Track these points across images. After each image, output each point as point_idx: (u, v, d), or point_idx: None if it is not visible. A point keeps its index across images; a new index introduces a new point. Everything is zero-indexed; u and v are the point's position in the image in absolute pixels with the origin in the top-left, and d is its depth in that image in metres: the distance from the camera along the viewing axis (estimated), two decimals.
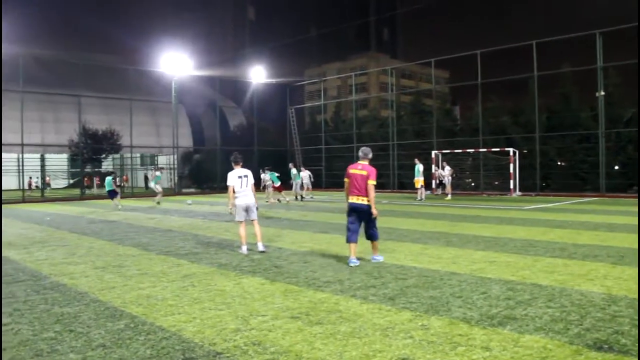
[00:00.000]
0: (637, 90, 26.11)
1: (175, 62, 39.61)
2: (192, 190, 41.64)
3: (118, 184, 30.87)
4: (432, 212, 19.22)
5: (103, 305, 6.48)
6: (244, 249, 10.31)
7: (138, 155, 49.69)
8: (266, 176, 27.14)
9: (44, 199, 35.71)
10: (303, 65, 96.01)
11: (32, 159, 39.71)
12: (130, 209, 24.25)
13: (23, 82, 34.39)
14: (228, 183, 10.27)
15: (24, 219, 19.71)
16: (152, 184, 25.42)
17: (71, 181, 60.00)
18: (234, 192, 10.22)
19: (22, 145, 34.77)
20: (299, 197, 28.31)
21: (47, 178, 47.24)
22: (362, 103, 53.74)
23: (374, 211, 8.79)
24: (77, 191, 39.29)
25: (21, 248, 11.62)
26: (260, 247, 10.44)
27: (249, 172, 10.46)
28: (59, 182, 53.93)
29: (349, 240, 8.94)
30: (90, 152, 39.16)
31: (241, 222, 10.44)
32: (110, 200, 25.03)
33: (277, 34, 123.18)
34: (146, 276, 8.20)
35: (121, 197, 27.65)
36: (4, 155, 38.39)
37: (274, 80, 46.86)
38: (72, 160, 47.91)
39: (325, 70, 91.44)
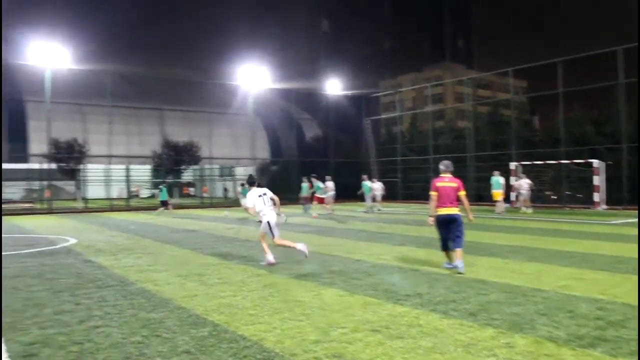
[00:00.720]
0: None
1: (253, 76, 40.49)
2: None
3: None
4: (512, 226, 18.67)
5: (186, 312, 6.66)
6: (271, 257, 10.53)
7: (217, 166, 51.01)
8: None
9: (128, 208, 37.19)
10: (378, 76, 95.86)
11: (118, 170, 41.53)
12: (210, 219, 24.89)
13: (111, 98, 36.18)
14: (248, 205, 10.87)
15: (112, 227, 20.61)
16: (242, 201, 25.58)
17: (154, 191, 62.34)
18: (256, 210, 10.73)
19: (110, 157, 36.49)
20: (369, 210, 27.98)
21: (137, 188, 49.38)
22: (438, 114, 53.06)
23: (472, 217, 9.86)
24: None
25: (109, 255, 12.15)
26: (299, 247, 10.68)
27: (267, 190, 11.05)
28: (143, 192, 56.17)
29: (447, 249, 9.47)
30: (172, 164, 40.55)
31: (264, 232, 10.78)
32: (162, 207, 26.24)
33: (352, 46, 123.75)
34: (227, 285, 8.37)
35: (200, 208, 28.41)
36: (93, 166, 40.38)
37: (349, 92, 47.05)
38: (155, 171, 49.74)
39: (400, 82, 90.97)
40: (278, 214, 11.18)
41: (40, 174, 39.14)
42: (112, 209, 35.87)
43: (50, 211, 33.15)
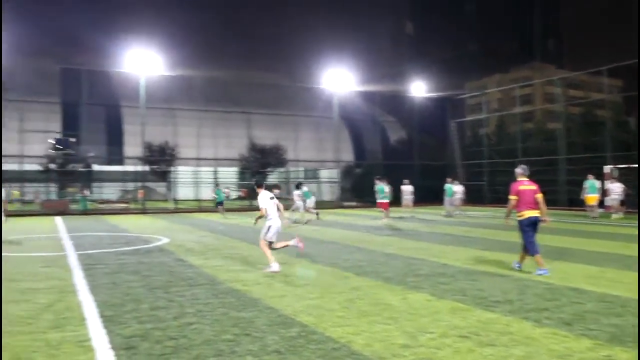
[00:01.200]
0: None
1: (338, 79, 40.73)
2: (354, 203, 42.32)
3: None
4: (607, 232, 17.80)
5: (275, 312, 6.78)
6: (276, 266, 10.11)
7: (301, 169, 51.64)
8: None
9: (217, 209, 38.23)
10: (463, 78, 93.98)
11: (206, 172, 42.92)
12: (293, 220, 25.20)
13: (200, 102, 37.51)
14: (262, 205, 10.45)
15: (201, 227, 21.30)
16: (297, 203, 25.54)
17: (241, 194, 63.86)
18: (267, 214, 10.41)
19: (198, 159, 37.76)
20: (450, 213, 27.26)
21: (227, 190, 50.83)
22: (526, 116, 51.33)
23: (549, 220, 9.90)
24: (246, 202, 41.66)
25: (199, 254, 12.56)
26: (294, 243, 10.81)
27: (274, 195, 10.85)
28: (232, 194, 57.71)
29: (535, 252, 9.49)
30: (258, 166, 41.43)
31: (269, 241, 10.43)
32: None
33: (436, 47, 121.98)
34: (314, 287, 8.45)
35: (285, 210, 28.70)
36: (183, 168, 41.89)
37: (434, 94, 46.42)
38: (241, 174, 50.93)
39: (485, 83, 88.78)
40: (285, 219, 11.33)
41: (135, 176, 41.04)
42: (200, 209, 37.04)
43: (143, 211, 34.65)
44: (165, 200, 44.80)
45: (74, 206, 36.92)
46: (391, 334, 5.76)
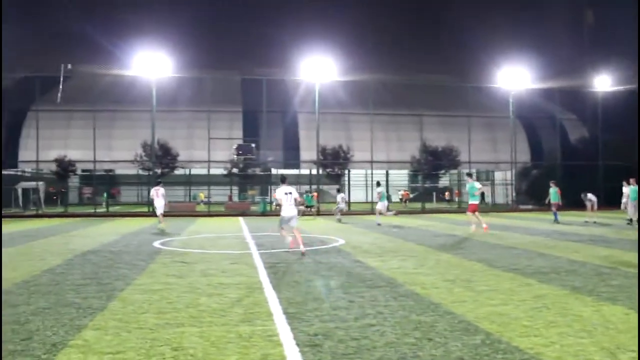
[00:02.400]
0: None
1: (512, 77, 39.05)
2: (529, 206, 40.27)
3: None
4: None
5: (456, 318, 6.59)
6: (289, 239, 13.46)
7: (474, 170, 50.22)
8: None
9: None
10: None
11: (378, 174, 43.36)
12: (465, 223, 24.56)
13: (372, 106, 38.03)
14: (277, 197, 13.21)
15: (375, 229, 21.50)
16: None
17: (411, 195, 63.80)
18: (281, 204, 13.17)
19: (372, 162, 38.30)
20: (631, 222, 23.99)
21: (405, 192, 51.22)
22: None
23: None
24: (417, 205, 41.42)
25: (376, 256, 12.65)
26: (302, 249, 12.92)
27: (293, 189, 13.29)
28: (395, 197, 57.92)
29: None
30: (430, 168, 40.97)
31: (283, 228, 13.43)
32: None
33: (622, 36, 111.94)
34: (496, 293, 8.10)
35: (457, 212, 28.14)
36: (355, 171, 42.74)
37: (621, 88, 42.62)
38: (413, 176, 50.76)
39: None
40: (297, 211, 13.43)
41: (309, 179, 42.66)
42: (373, 212, 37.43)
43: (317, 213, 35.85)
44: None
45: (254, 207, 39.28)
46: (586, 349, 5.31)
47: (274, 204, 12.31)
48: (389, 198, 24.79)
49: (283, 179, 13.61)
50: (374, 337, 5.76)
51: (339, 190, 31.54)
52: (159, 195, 22.74)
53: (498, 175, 49.27)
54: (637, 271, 10.09)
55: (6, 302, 7.65)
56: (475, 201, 19.72)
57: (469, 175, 20.98)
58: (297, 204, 13.21)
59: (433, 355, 5.14)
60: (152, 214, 28.98)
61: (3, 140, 39.93)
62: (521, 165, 43.96)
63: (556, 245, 14.75)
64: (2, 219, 31.46)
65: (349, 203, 41.91)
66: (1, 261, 11.32)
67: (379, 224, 23.48)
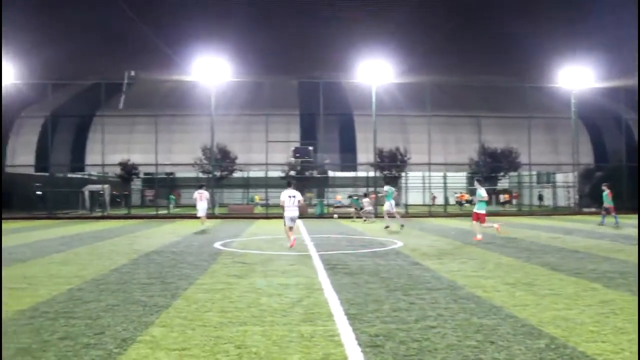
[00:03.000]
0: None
1: (574, 76, 37.98)
2: (593, 209, 39.01)
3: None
4: None
5: (519, 321, 6.49)
6: (293, 238, 15.18)
7: (534, 172, 49.07)
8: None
9: (446, 214, 38.07)
10: None
11: (436, 177, 42.98)
12: (528, 226, 24.05)
13: (429, 108, 37.77)
14: (281, 199, 15.17)
15: (432, 232, 21.34)
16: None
17: (468, 198, 62.85)
18: (285, 206, 15.09)
19: (429, 164, 38.02)
20: None
21: (462, 195, 50.68)
22: None
23: None
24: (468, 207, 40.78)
25: (435, 258, 12.56)
26: (291, 242, 14.99)
27: (297, 193, 15.35)
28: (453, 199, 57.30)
29: None
30: (488, 171, 40.27)
31: (288, 226, 15.23)
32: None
33: None
34: (559, 297, 7.93)
35: (517, 215, 27.56)
36: (412, 173, 42.43)
37: None
38: (471, 178, 49.95)
39: None
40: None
41: (366, 181, 42.62)
42: (430, 214, 37.14)
43: (375, 216, 35.75)
44: (396, 205, 45.78)
45: (311, 210, 39.53)
46: None
47: (280, 204, 14.13)
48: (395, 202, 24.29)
49: (289, 184, 16.08)
50: (435, 339, 5.75)
51: (365, 195, 31.73)
52: (202, 199, 23.27)
53: (559, 178, 47.97)
54: None
55: (79, 298, 8.01)
56: (482, 210, 17.55)
57: (478, 181, 18.48)
58: (299, 205, 15.37)
59: (496, 358, 5.10)
60: (210, 216, 29.57)
61: (70, 145, 41.58)
62: (584, 167, 42.65)
63: (622, 250, 14.27)
64: (71, 220, 32.75)
65: (406, 205, 41.64)
66: (1, 261, 11.67)
67: (387, 227, 23.11)
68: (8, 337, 5.94)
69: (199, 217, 23.87)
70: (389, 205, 24.09)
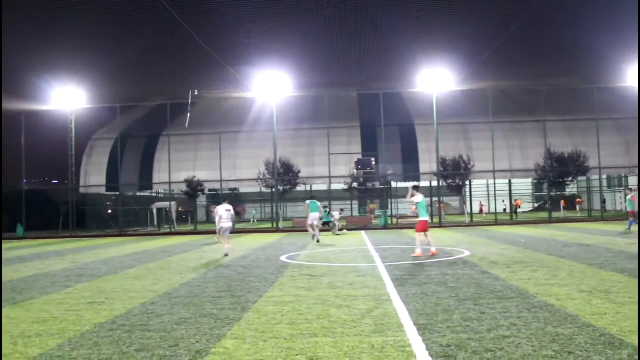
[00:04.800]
0: None
1: None
2: None
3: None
4: None
5: (597, 331, 6.26)
6: (227, 247, 17.68)
7: (604, 176, 47.34)
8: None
9: (513, 222, 37.19)
10: None
11: (500, 184, 42.10)
12: (596, 232, 23.19)
13: (492, 114, 37.10)
14: (219, 212, 18.26)
15: (500, 240, 20.88)
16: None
17: (536, 205, 61.16)
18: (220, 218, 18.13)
19: (494, 172, 37.28)
20: None
21: (517, 200, 49.42)
22: None
23: None
24: (544, 214, 39.65)
25: (504, 267, 12.29)
26: (226, 250, 17.59)
27: (231, 207, 18.17)
28: (525, 206, 55.72)
29: None
30: (556, 176, 39.10)
31: (224, 238, 17.92)
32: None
33: None
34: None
35: (587, 221, 26.68)
36: (476, 181, 41.68)
37: None
38: (538, 184, 48.66)
39: None
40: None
41: (430, 191, 42.13)
42: (496, 222, 36.36)
43: (440, 225, 35.32)
44: (462, 214, 45.04)
45: (375, 221, 39.39)
46: None
47: (213, 215, 19.66)
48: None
49: (224, 199, 19.24)
50: (510, 348, 5.62)
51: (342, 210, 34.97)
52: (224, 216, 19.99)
53: (633, 181, 46.06)
54: None
55: (152, 312, 8.26)
56: (425, 217, 15.97)
57: (415, 188, 16.35)
58: (233, 219, 18.19)
59: None
60: (276, 229, 29.89)
61: (139, 164, 43.00)
62: None
63: None
64: (141, 237, 33.79)
65: (471, 214, 40.87)
66: (1, 262, 11.93)
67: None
68: (90, 347, 6.20)
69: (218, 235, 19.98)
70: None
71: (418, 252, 15.40)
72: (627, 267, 11.50)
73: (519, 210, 48.09)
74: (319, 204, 24.25)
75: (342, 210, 35.75)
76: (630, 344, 5.68)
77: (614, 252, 14.84)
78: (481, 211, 52.28)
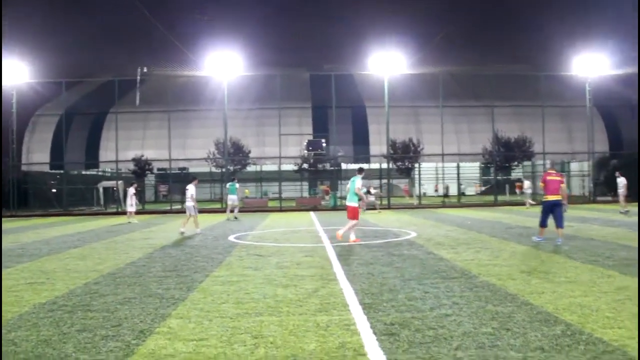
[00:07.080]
0: None
1: (589, 63, 37.60)
2: (609, 198, 38.73)
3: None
4: None
5: (535, 309, 6.48)
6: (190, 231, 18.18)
7: (548, 162, 48.72)
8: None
9: (460, 205, 37.96)
10: None
11: (449, 167, 42.86)
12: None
13: (442, 98, 37.59)
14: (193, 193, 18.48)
15: (447, 222, 21.31)
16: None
17: (482, 188, 62.52)
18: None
19: (443, 155, 37.87)
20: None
21: (478, 185, 50.41)
22: None
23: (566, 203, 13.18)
24: (490, 198, 40.60)
25: (449, 248, 12.56)
26: (182, 230, 17.99)
27: (189, 187, 18.53)
28: (470, 190, 57.04)
29: (542, 225, 13.32)
30: (502, 160, 40.04)
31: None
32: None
33: None
34: (575, 284, 7.90)
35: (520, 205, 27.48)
36: (425, 164, 42.27)
37: None
38: (485, 168, 49.73)
39: None
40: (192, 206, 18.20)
41: (380, 173, 42.56)
42: (444, 205, 37.05)
43: (387, 207, 35.76)
44: (410, 196, 45.69)
45: (324, 202, 39.57)
46: None
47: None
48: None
49: (193, 179, 18.98)
50: (451, 326, 5.75)
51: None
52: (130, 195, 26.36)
53: (574, 166, 47.62)
54: None
55: (96, 292, 8.10)
56: (354, 203, 14.55)
57: (359, 170, 14.87)
58: (192, 198, 18.22)
59: (512, 344, 5.10)
60: (223, 210, 29.70)
61: (85, 142, 41.88)
62: (599, 156, 42.31)
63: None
64: (85, 216, 33.04)
65: (419, 197, 41.50)
66: (1, 261, 11.72)
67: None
68: (28, 329, 6.04)
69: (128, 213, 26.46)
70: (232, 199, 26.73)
71: (352, 237, 14.25)
72: (565, 249, 11.90)
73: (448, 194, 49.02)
74: (237, 185, 27.06)
75: (375, 188, 34.91)
76: (563, 320, 5.89)
77: (554, 235, 15.30)
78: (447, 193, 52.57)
